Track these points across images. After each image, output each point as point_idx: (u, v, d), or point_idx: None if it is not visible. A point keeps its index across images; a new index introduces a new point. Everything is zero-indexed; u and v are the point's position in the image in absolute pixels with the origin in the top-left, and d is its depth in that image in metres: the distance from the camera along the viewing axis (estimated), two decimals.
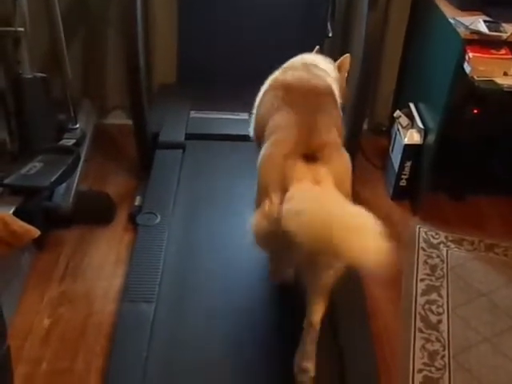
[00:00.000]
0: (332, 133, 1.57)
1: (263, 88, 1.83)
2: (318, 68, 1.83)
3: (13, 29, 2.15)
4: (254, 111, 1.84)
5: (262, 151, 1.55)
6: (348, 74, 1.99)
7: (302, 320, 1.60)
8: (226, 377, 1.68)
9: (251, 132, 1.87)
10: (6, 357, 1.36)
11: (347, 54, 1.95)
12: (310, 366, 1.60)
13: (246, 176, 1.63)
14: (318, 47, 2.05)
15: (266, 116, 1.67)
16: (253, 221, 1.47)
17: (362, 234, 1.26)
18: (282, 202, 1.38)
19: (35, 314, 1.93)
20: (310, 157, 1.45)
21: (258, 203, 1.49)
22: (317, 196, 1.37)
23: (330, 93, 1.74)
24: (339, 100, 1.81)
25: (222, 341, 1.76)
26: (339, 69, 1.93)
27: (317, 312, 1.56)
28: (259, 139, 1.69)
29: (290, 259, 1.60)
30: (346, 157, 1.54)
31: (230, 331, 1.79)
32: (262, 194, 1.48)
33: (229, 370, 1.69)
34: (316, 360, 1.60)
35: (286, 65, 1.90)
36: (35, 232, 1.66)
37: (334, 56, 2.03)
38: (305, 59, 1.90)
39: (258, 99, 1.83)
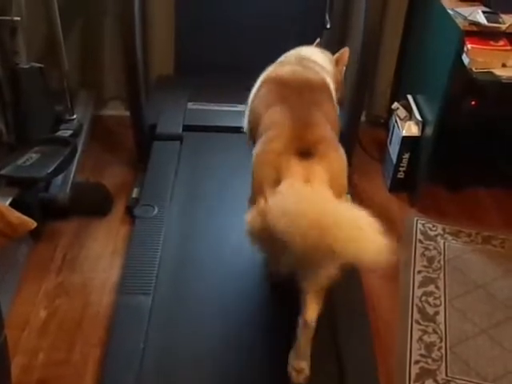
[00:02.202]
0: (327, 128, 1.55)
1: (257, 82, 1.80)
2: (313, 62, 1.81)
3: (9, 18, 2.14)
4: (248, 106, 1.82)
5: (256, 148, 1.54)
6: (346, 67, 1.98)
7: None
8: (222, 369, 1.68)
9: (244, 126, 1.85)
10: (3, 348, 1.36)
11: (346, 48, 1.93)
12: (304, 365, 1.59)
13: (244, 167, 1.62)
14: (318, 39, 2.03)
15: (259, 112, 1.65)
16: (247, 218, 1.46)
17: (357, 232, 1.24)
18: None
19: (32, 306, 1.93)
20: (305, 153, 1.43)
21: (253, 200, 1.48)
22: (305, 194, 1.35)
23: (325, 87, 1.73)
24: (335, 94, 1.79)
25: (219, 332, 1.76)
26: (337, 62, 1.91)
27: (312, 310, 1.55)
28: (253, 135, 1.68)
29: (285, 258, 1.59)
30: (341, 152, 1.53)
31: (227, 323, 1.79)
32: (256, 192, 1.47)
33: (226, 362, 1.69)
34: (313, 351, 1.60)
35: (281, 58, 1.88)
36: (32, 223, 1.65)
37: (332, 48, 2.02)
38: (300, 53, 1.88)
39: (252, 94, 1.81)
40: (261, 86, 1.76)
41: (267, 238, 1.41)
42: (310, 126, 1.50)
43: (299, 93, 1.62)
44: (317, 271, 1.48)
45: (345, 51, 1.92)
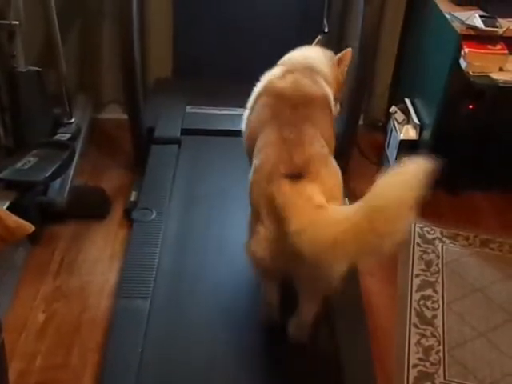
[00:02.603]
0: (318, 145, 1.51)
1: (258, 87, 1.76)
2: (314, 69, 1.77)
3: (7, 22, 2.14)
4: (246, 114, 1.78)
5: (250, 175, 1.53)
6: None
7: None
8: (221, 372, 1.67)
9: (243, 136, 1.80)
10: (1, 351, 1.36)
11: (349, 49, 1.88)
12: None
13: (242, 171, 1.62)
14: (319, 37, 2.00)
15: (255, 130, 1.62)
16: (249, 247, 1.48)
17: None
18: (274, 224, 1.38)
19: (30, 309, 1.93)
20: (295, 175, 1.41)
21: (252, 226, 1.49)
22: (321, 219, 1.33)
23: (323, 100, 1.69)
24: (333, 103, 1.76)
25: (218, 336, 1.76)
26: (339, 63, 1.88)
27: (309, 313, 1.58)
28: (249, 151, 1.65)
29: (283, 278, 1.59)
30: (334, 169, 1.51)
31: (225, 327, 1.79)
32: (254, 218, 1.48)
33: (224, 365, 1.69)
34: (312, 355, 1.60)
35: (286, 61, 1.84)
36: (30, 227, 1.64)
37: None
38: (306, 57, 1.83)
39: (250, 102, 1.77)
40: (258, 97, 1.72)
41: (272, 260, 1.44)
42: (298, 147, 1.47)
43: (294, 108, 1.58)
44: (320, 283, 1.49)
45: (348, 51, 1.88)
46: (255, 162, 1.52)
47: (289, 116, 1.56)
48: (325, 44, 1.99)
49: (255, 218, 1.47)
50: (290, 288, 1.58)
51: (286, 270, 1.50)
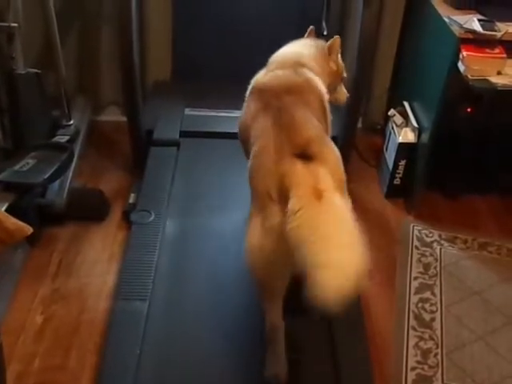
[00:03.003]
0: (312, 126, 1.54)
1: (248, 88, 1.81)
2: (299, 63, 1.80)
3: (7, 24, 2.14)
4: (240, 117, 1.81)
5: (249, 164, 1.53)
6: (342, 56, 1.98)
7: (300, 317, 1.59)
8: (219, 374, 1.67)
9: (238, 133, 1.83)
10: None
11: (337, 36, 1.91)
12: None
13: (241, 174, 1.63)
14: (312, 27, 2.02)
15: (247, 123, 1.66)
16: (251, 240, 1.44)
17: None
18: (284, 211, 1.34)
19: (28, 311, 1.93)
20: (303, 155, 1.41)
21: (255, 217, 1.45)
22: (325, 219, 1.31)
23: (305, 85, 1.72)
24: (324, 88, 1.80)
25: (216, 339, 1.76)
26: (329, 51, 1.91)
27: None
28: (246, 147, 1.67)
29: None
30: (332, 147, 1.53)
31: (223, 329, 1.79)
32: (259, 207, 1.44)
33: (222, 367, 1.69)
34: (310, 358, 1.60)
35: (271, 61, 1.88)
36: (28, 229, 1.64)
37: None
38: (290, 53, 1.88)
39: (244, 105, 1.81)
40: (247, 98, 1.78)
41: (275, 255, 1.40)
42: (293, 129, 1.49)
43: (278, 97, 1.61)
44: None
45: (336, 39, 1.91)
46: (254, 148, 1.52)
47: (276, 104, 1.58)
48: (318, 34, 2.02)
49: (260, 205, 1.43)
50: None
51: (285, 272, 1.49)
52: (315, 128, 1.55)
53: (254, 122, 1.61)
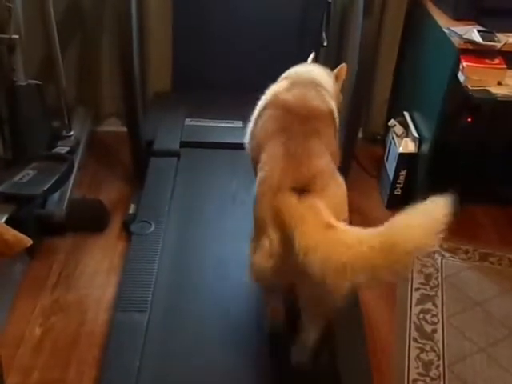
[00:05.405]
0: (324, 158, 1.51)
1: (263, 100, 1.75)
2: (321, 85, 1.76)
3: (7, 36, 2.14)
4: (250, 128, 1.76)
5: (255, 185, 1.51)
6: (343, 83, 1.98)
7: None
8: None
9: (246, 147, 1.79)
10: None
11: (344, 64, 1.91)
12: None
13: (241, 184, 1.62)
14: (313, 54, 2.01)
15: (261, 142, 1.61)
16: (253, 260, 1.46)
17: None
18: (279, 237, 1.38)
19: (27, 323, 1.92)
20: (302, 190, 1.40)
21: (256, 240, 1.47)
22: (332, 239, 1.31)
23: (329, 114, 1.68)
24: (337, 119, 1.76)
25: (216, 351, 1.74)
26: (336, 78, 1.89)
27: (311, 337, 1.59)
28: (255, 163, 1.63)
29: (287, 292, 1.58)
30: (340, 183, 1.50)
31: (223, 341, 1.78)
32: (259, 232, 1.45)
33: (222, 379, 1.68)
34: (311, 369, 1.59)
35: (292, 74, 1.83)
36: (27, 241, 1.63)
37: (329, 65, 2.02)
38: (309, 71, 1.83)
39: (256, 112, 1.75)
40: (263, 110, 1.70)
41: (275, 274, 1.42)
42: (304, 160, 1.46)
43: (301, 122, 1.56)
44: (323, 301, 1.47)
45: (343, 67, 1.89)
46: (260, 174, 1.51)
47: (296, 129, 1.54)
48: (324, 58, 1.99)
49: (259, 231, 1.45)
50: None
51: (287, 286, 1.49)
52: (326, 163, 1.51)
53: (267, 144, 1.55)
